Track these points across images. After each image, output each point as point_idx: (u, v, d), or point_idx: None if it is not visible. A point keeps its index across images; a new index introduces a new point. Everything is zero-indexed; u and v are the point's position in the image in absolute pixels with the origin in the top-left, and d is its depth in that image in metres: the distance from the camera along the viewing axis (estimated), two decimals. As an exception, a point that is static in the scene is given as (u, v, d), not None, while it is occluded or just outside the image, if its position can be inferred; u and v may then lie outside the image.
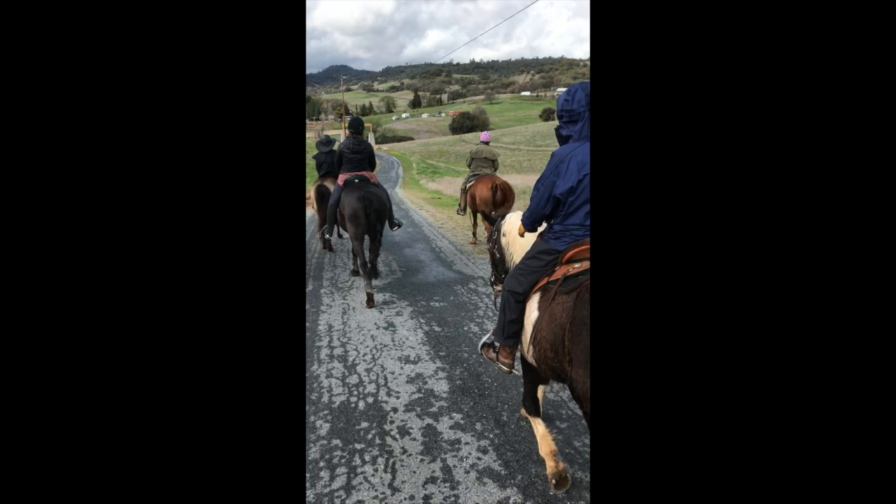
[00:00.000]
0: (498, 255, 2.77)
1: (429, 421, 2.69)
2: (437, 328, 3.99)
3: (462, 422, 2.68)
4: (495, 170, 6.93)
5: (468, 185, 6.82)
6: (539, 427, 2.32)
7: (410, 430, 2.61)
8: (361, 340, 3.78)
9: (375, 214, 4.64)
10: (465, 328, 3.97)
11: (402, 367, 3.32)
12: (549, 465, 2.21)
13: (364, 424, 2.67)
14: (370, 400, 2.92)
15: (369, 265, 4.69)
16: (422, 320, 4.18)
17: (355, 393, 3.00)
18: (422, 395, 2.95)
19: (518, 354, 2.30)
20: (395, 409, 2.81)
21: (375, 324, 4.13)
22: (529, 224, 2.19)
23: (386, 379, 3.17)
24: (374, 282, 5.29)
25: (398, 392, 3.00)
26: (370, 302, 4.53)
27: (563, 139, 2.05)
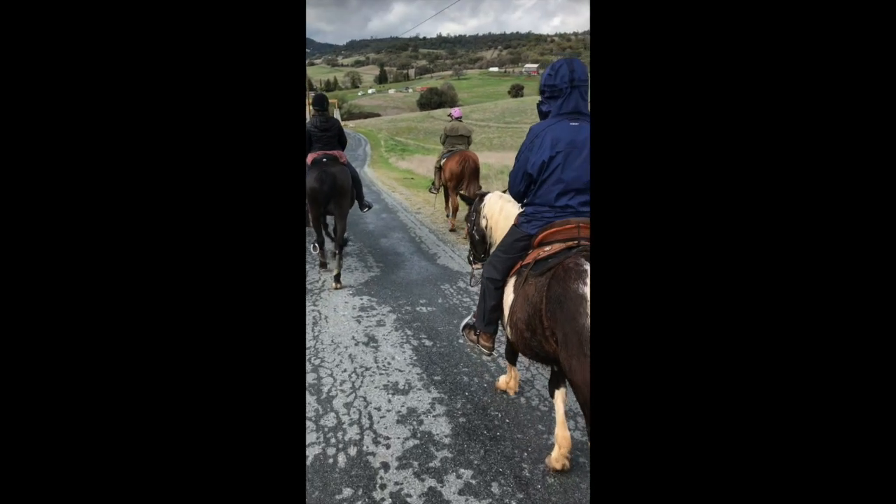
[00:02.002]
0: (478, 236, 2.79)
1: (431, 482, 2.08)
2: (426, 342, 3.37)
3: (474, 481, 2.08)
4: (469, 145, 6.70)
5: (442, 163, 6.59)
6: (512, 371, 2.68)
7: (409, 500, 2.00)
8: (338, 362, 3.12)
9: (330, 195, 4.38)
10: (461, 341, 3.36)
11: (389, 400, 2.69)
12: (510, 392, 2.70)
13: (346, 492, 2.04)
14: (352, 452, 2.29)
15: (337, 251, 4.63)
16: (408, 332, 3.54)
17: (333, 441, 2.36)
18: (418, 442, 2.34)
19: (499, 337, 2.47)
20: (385, 466, 2.19)
21: (353, 338, 3.47)
22: (514, 197, 2.22)
23: (371, 418, 2.54)
24: (349, 280, 4.63)
25: (388, 438, 2.38)
26: (323, 266, 4.73)
27: (542, 115, 2.04)
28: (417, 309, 3.96)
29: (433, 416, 2.53)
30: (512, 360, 2.65)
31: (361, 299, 4.20)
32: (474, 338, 2.47)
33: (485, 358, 3.03)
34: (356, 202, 5.06)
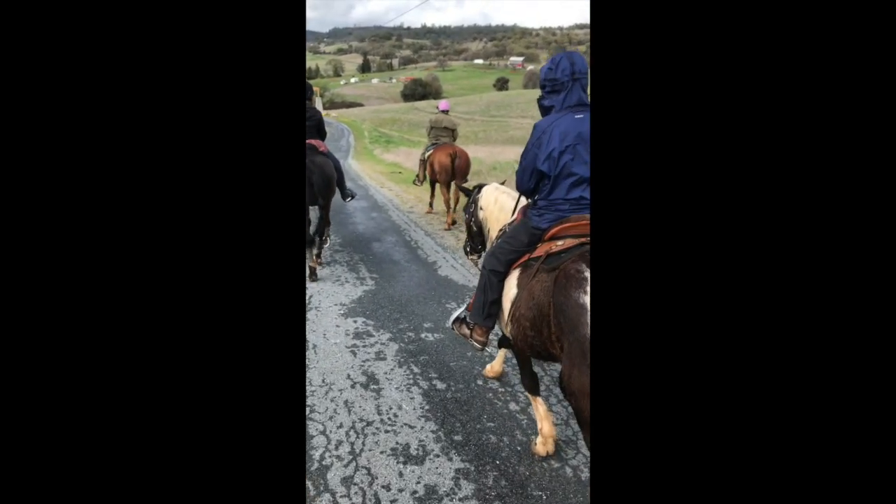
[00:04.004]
0: (475, 227, 2.77)
1: None
2: (438, 384, 2.78)
3: None
4: (454, 139, 6.74)
5: (427, 155, 6.61)
6: (540, 408, 2.25)
7: None
8: (331, 413, 2.52)
9: (317, 186, 4.30)
10: (479, 382, 2.79)
11: (400, 473, 2.10)
12: (549, 442, 2.20)
13: None
14: (357, 560, 1.70)
15: (318, 239, 4.55)
16: (414, 368, 2.95)
17: (330, 542, 1.77)
18: (444, 544, 1.76)
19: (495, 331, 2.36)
20: (403, 585, 1.61)
21: (349, 376, 2.86)
22: (522, 194, 2.18)
23: (379, 503, 1.95)
24: (340, 297, 4.02)
25: (403, 536, 1.79)
26: (312, 275, 4.41)
27: (545, 110, 2.03)
28: (422, 336, 3.36)
29: (459, 501, 1.96)
30: (534, 389, 2.28)
31: (356, 322, 3.58)
32: (466, 332, 2.39)
33: (476, 352, 2.82)
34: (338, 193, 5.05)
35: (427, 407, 2.56)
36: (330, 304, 3.90)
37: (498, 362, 2.82)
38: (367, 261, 5.06)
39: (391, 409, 2.55)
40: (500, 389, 2.73)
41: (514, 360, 2.99)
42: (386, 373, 2.90)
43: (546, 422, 2.20)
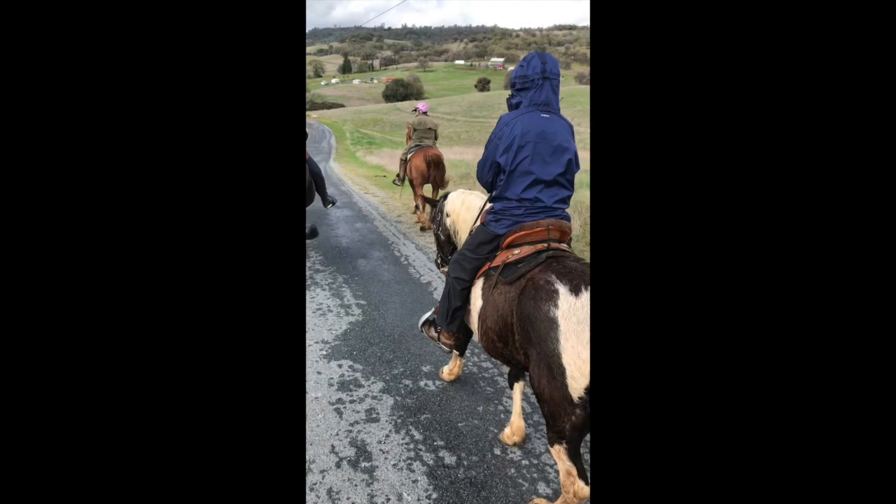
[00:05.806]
0: (443, 236, 2.72)
1: None
2: (446, 457, 2.21)
3: None
4: (436, 138, 6.85)
5: (409, 156, 6.70)
6: (456, 360, 2.69)
7: None
8: (310, 508, 1.93)
9: None
10: (497, 451, 2.24)
11: None
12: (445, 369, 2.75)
13: None
14: None
15: None
16: (415, 433, 2.38)
17: None
18: None
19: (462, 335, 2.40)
20: None
21: (333, 448, 2.27)
22: (482, 185, 2.17)
23: None
24: (321, 332, 3.43)
25: None
26: None
27: (512, 108, 2.02)
28: (422, 385, 2.79)
29: None
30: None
31: (340, 366, 3.00)
32: (434, 335, 2.46)
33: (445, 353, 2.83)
34: (318, 198, 4.97)
35: (435, 495, 1.99)
36: (310, 341, 3.30)
37: (517, 418, 2.28)
38: (353, 283, 4.46)
39: (388, 500, 1.97)
40: (523, 462, 2.17)
41: (535, 419, 2.44)
42: (380, 441, 2.32)
43: (456, 362, 2.62)
